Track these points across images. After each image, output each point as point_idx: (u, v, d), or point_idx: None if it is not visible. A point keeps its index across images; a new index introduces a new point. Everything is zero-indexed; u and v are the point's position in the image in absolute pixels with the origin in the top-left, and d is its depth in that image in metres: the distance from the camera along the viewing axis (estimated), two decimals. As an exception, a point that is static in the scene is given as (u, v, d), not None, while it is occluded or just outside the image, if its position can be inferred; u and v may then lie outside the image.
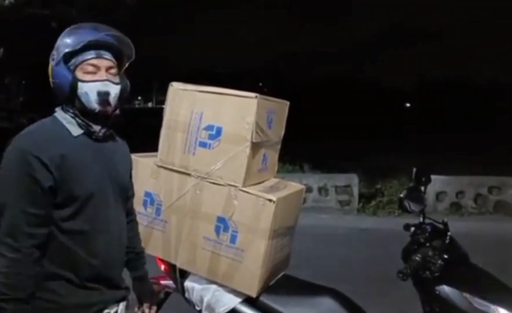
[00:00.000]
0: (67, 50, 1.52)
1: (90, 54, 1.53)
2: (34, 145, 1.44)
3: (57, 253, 1.49)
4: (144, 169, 2.15)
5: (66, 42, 1.53)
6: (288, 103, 2.29)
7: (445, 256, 2.07)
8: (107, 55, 1.57)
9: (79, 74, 1.52)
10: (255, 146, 1.99)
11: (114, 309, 1.63)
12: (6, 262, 1.39)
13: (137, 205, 2.13)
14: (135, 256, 1.85)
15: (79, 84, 1.51)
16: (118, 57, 1.62)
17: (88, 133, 1.55)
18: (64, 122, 1.54)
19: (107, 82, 1.54)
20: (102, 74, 1.54)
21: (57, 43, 1.55)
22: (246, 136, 1.94)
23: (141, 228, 2.13)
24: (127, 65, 1.69)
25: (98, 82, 1.53)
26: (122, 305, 1.67)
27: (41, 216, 1.44)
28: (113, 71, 1.58)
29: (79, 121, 1.54)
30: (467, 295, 1.98)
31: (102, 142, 1.59)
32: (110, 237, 1.59)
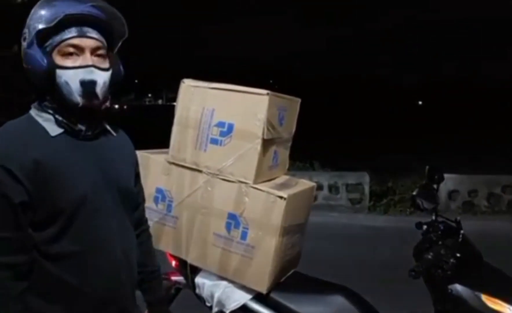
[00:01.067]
0: (40, 26, 1.19)
1: (71, 32, 1.21)
2: (0, 153, 1.15)
3: (43, 285, 1.19)
4: (155, 165, 2.15)
5: (40, 16, 1.19)
6: (299, 100, 2.29)
7: (458, 255, 2.05)
8: (93, 33, 1.24)
9: (57, 58, 1.21)
10: (266, 143, 1.98)
11: None
12: None
13: (148, 201, 2.14)
14: (148, 276, 1.53)
15: (57, 71, 1.20)
16: (108, 35, 1.29)
17: (72, 132, 1.25)
18: (40, 120, 1.23)
19: (93, 69, 1.22)
20: (86, 58, 1.22)
21: (28, 18, 1.22)
22: (257, 133, 1.94)
23: (152, 224, 2.14)
24: (119, 45, 1.36)
25: (81, 69, 1.21)
26: None
27: (16, 240, 1.15)
28: (101, 52, 1.26)
29: (59, 118, 1.23)
30: (480, 294, 1.96)
31: (92, 140, 1.29)
32: (111, 256, 1.27)
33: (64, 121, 1.24)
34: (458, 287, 2.01)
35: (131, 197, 1.41)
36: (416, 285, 2.20)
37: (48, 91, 1.23)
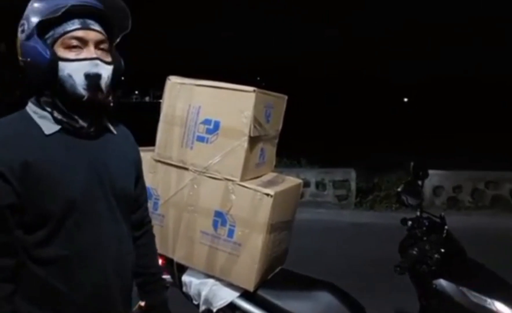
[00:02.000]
0: (41, 18, 1.14)
1: (74, 24, 1.17)
2: None
3: (31, 288, 1.17)
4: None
5: (40, 7, 1.15)
6: (286, 97, 2.29)
7: (442, 250, 2.07)
8: (96, 25, 1.20)
9: (59, 50, 1.16)
10: (253, 140, 1.98)
11: None
12: None
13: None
14: (149, 278, 1.49)
15: (60, 64, 1.15)
16: (109, 28, 1.26)
17: (72, 130, 1.20)
18: (35, 117, 1.19)
19: (98, 61, 1.18)
20: (90, 51, 1.18)
21: (27, 9, 1.17)
22: (244, 130, 1.93)
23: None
24: (119, 38, 1.33)
25: (85, 61, 1.17)
26: None
27: (4, 243, 1.13)
28: (104, 46, 1.22)
29: (58, 115, 1.18)
30: (463, 289, 1.99)
31: (87, 139, 1.24)
32: (100, 264, 1.23)
33: (64, 118, 1.19)
34: (442, 282, 2.04)
35: (129, 201, 1.35)
36: (401, 280, 2.22)
37: (49, 85, 1.17)
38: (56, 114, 1.19)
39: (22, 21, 1.18)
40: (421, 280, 2.13)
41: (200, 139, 2.01)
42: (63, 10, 1.14)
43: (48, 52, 1.14)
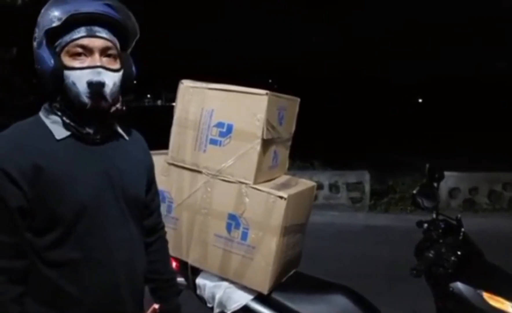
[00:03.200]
0: (48, 27, 1.16)
1: (80, 32, 1.18)
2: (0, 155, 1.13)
3: (41, 290, 1.18)
4: (154, 166, 2.15)
5: (49, 16, 1.17)
6: (299, 99, 2.28)
7: (459, 253, 2.04)
8: (103, 32, 1.21)
9: (65, 59, 1.18)
10: (266, 143, 1.98)
11: None
12: None
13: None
14: (164, 284, 1.50)
15: (65, 72, 1.17)
16: (121, 34, 1.27)
17: (80, 136, 1.22)
18: (48, 122, 1.21)
19: (100, 70, 1.18)
20: (95, 59, 1.19)
21: (39, 17, 1.19)
22: (256, 133, 1.93)
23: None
24: (133, 44, 1.33)
25: (88, 70, 1.18)
26: None
27: (14, 245, 1.14)
28: (111, 52, 1.22)
29: (67, 120, 1.20)
30: (481, 291, 1.96)
31: (101, 145, 1.26)
32: (113, 265, 1.24)
33: (72, 123, 1.21)
34: (459, 285, 2.01)
35: (140, 206, 1.36)
36: (417, 283, 2.20)
37: (57, 92, 1.20)
38: (65, 119, 1.21)
39: (35, 29, 1.20)
40: (437, 283, 2.10)
41: (213, 142, 2.01)
42: (63, 19, 1.15)
43: (52, 61, 1.17)
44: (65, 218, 1.17)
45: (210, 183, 2.02)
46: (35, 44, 1.19)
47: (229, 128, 1.99)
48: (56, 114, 1.21)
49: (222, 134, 2.00)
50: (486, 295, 1.95)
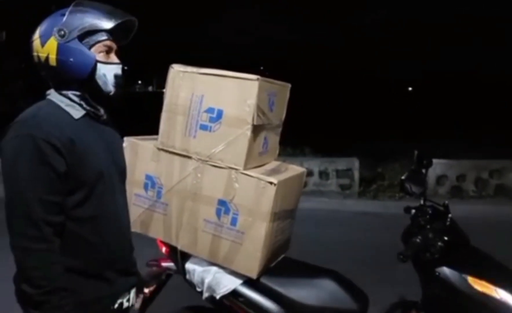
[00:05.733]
0: (89, 28, 1.45)
1: (106, 35, 1.49)
2: (42, 130, 1.36)
3: (68, 243, 1.42)
4: (144, 152, 2.14)
5: (83, 18, 1.45)
6: (289, 85, 2.28)
7: (446, 238, 2.08)
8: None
9: (95, 54, 1.48)
10: (256, 129, 1.98)
11: (126, 297, 1.59)
12: (34, 254, 1.32)
13: (138, 188, 2.13)
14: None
15: (98, 65, 1.47)
16: (127, 34, 1.61)
17: (94, 116, 1.51)
18: (63, 106, 1.46)
19: (120, 66, 1.54)
20: (114, 57, 1.53)
21: (65, 19, 1.45)
22: (247, 119, 1.93)
23: (142, 211, 2.14)
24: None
25: (114, 65, 1.51)
26: (133, 292, 1.63)
27: (58, 204, 1.37)
28: (117, 54, 1.56)
29: (84, 104, 1.48)
30: (466, 276, 2.00)
31: (103, 124, 1.55)
32: (120, 222, 1.56)
33: (89, 107, 1.49)
34: (445, 270, 2.04)
35: (124, 179, 1.66)
36: (404, 268, 2.23)
37: (84, 81, 1.45)
38: (84, 104, 1.48)
39: (59, 27, 1.43)
40: (424, 268, 2.14)
41: (203, 127, 2.01)
42: (114, 24, 1.47)
43: (92, 56, 1.45)
44: (89, 182, 1.43)
45: (200, 169, 2.02)
46: (60, 39, 1.42)
47: (219, 114, 1.98)
48: (71, 99, 1.47)
49: (212, 120, 1.99)
50: (471, 280, 1.98)
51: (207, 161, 2.00)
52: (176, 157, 2.07)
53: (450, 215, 2.17)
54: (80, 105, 1.48)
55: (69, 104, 1.47)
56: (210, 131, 1.99)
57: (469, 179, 7.50)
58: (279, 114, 2.22)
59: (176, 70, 2.07)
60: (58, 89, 1.49)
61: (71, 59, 1.43)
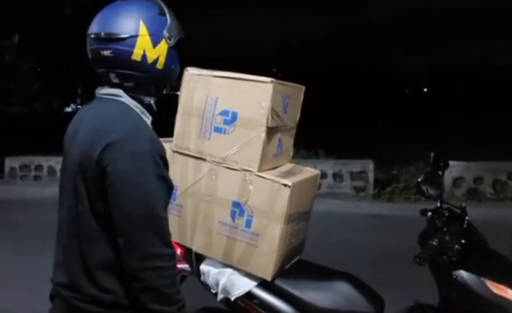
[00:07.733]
0: (181, 36, 1.46)
1: None
2: (156, 144, 1.35)
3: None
4: None
5: (177, 25, 1.45)
6: (303, 87, 2.28)
7: (463, 241, 2.05)
8: None
9: None
10: (271, 131, 1.98)
11: None
12: (169, 271, 1.33)
13: (153, 189, 2.15)
14: None
15: None
16: None
17: (152, 121, 1.48)
18: (138, 112, 1.42)
19: None
20: None
21: (169, 23, 1.41)
22: (261, 121, 1.93)
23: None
24: None
25: None
26: None
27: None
28: None
29: (152, 108, 1.47)
30: (484, 280, 1.97)
31: None
32: None
33: (154, 110, 1.48)
34: (463, 273, 2.02)
35: None
36: (421, 271, 2.20)
37: (166, 86, 1.50)
38: (152, 108, 1.46)
39: (168, 31, 1.40)
40: (441, 271, 2.11)
41: (218, 130, 2.02)
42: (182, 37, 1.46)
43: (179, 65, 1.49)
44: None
45: (214, 171, 2.03)
46: (170, 43, 1.41)
47: (234, 116, 1.99)
48: (143, 104, 1.42)
49: (226, 122, 2.00)
50: (489, 283, 1.95)
51: (221, 163, 2.01)
52: (191, 159, 2.08)
53: (467, 218, 2.14)
54: (151, 111, 1.46)
55: (142, 111, 1.43)
56: (224, 133, 2.00)
57: (487, 182, 7.38)
58: (293, 116, 2.22)
59: (191, 73, 2.09)
60: (134, 92, 1.42)
61: (173, 66, 1.45)
